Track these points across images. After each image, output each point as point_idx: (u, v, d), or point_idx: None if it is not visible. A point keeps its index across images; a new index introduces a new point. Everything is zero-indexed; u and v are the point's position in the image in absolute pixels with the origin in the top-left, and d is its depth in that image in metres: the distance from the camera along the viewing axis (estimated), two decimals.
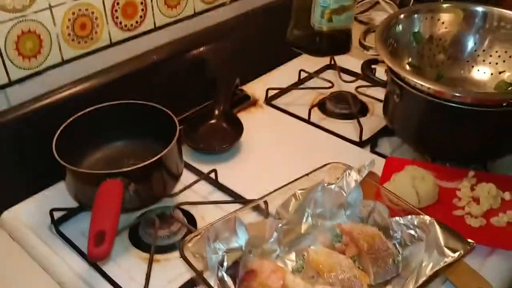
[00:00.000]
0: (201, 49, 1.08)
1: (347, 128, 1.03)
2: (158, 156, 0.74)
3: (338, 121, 1.05)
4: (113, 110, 0.86)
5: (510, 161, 0.92)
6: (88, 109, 0.85)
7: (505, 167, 0.92)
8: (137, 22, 1.00)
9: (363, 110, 1.09)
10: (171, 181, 0.80)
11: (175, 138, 0.77)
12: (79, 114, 0.84)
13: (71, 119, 0.82)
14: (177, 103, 1.00)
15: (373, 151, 0.96)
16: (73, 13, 0.89)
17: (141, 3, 0.99)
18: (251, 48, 1.17)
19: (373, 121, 1.04)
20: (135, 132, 0.88)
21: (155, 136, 0.84)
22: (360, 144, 0.97)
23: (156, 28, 1.04)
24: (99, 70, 0.95)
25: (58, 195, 0.85)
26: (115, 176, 0.71)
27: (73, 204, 0.81)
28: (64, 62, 0.92)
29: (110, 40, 0.97)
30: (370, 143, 0.97)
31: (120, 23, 0.97)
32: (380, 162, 0.89)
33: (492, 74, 0.98)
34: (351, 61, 1.19)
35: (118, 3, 0.95)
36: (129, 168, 0.72)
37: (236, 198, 0.84)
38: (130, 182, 0.72)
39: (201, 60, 1.08)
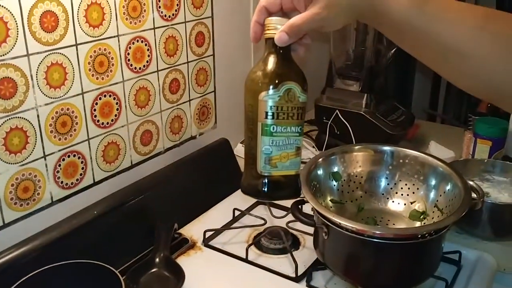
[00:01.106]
0: (140, 197, 1.14)
1: (283, 263, 1.09)
2: None
3: (274, 257, 1.12)
4: (57, 272, 0.88)
5: (432, 283, 1.02)
6: (30, 274, 0.86)
7: None
8: (77, 180, 1.06)
9: (295, 242, 1.17)
10: None
11: None
12: (22, 280, 0.85)
13: (14, 286, 0.83)
14: (119, 253, 1.04)
15: (309, 285, 1.02)
16: (17, 179, 0.94)
17: (82, 162, 1.05)
18: (186, 192, 1.24)
19: (306, 254, 1.11)
20: None
21: None
22: (297, 279, 1.04)
23: (95, 183, 1.10)
24: (41, 230, 0.98)
25: None
26: None
27: None
28: (5, 225, 0.94)
29: (52, 199, 1.02)
30: (306, 277, 1.04)
31: (62, 182, 1.02)
32: None
33: (405, 204, 1.10)
34: None
35: (59, 165, 1.01)
36: None
37: None
38: None
39: (140, 208, 1.14)
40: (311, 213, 1.01)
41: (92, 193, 1.09)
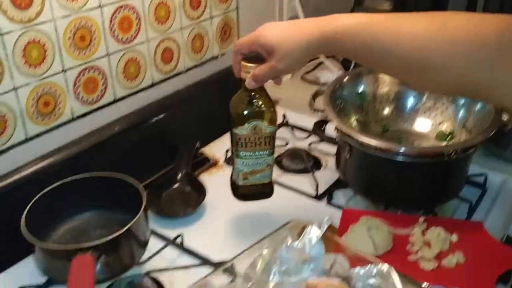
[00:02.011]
0: (161, 116, 1.13)
1: (304, 182, 1.08)
2: (127, 227, 0.77)
3: (295, 176, 1.11)
4: (78, 184, 0.89)
5: (456, 204, 1.00)
6: (53, 185, 0.87)
7: (452, 209, 1.00)
8: (98, 96, 1.05)
9: (317, 164, 1.16)
10: (139, 249, 0.83)
11: (142, 208, 0.81)
12: (45, 190, 0.86)
13: (37, 196, 0.85)
14: (139, 170, 1.04)
15: (329, 203, 1.02)
16: (37, 93, 0.93)
17: (102, 78, 1.04)
18: (209, 111, 1.23)
19: (327, 174, 1.10)
20: (101, 203, 0.91)
21: (120, 205, 0.88)
22: (317, 197, 1.03)
23: (116, 100, 1.09)
24: (63, 145, 0.98)
25: (25, 271, 0.86)
26: (86, 250, 0.73)
27: (41, 280, 0.82)
28: (28, 139, 0.95)
29: (72, 114, 1.01)
30: (326, 196, 1.03)
31: (82, 98, 1.02)
32: (337, 214, 0.95)
33: (432, 125, 1.07)
34: (303, 119, 1.26)
35: (79, 80, 1.00)
36: (98, 242, 0.74)
37: (203, 261, 0.87)
38: (101, 255, 0.75)
39: (161, 127, 1.13)
40: (334, 135, 0.99)
41: (113, 110, 1.08)
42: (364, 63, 0.75)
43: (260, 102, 0.82)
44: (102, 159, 1.00)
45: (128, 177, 0.87)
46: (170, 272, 0.85)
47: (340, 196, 1.04)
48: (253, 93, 0.82)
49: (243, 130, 0.82)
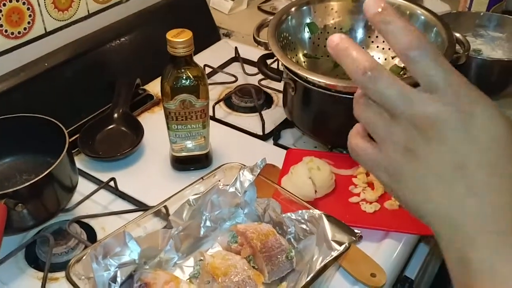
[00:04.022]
0: (98, 50, 1.05)
1: (252, 122, 1.03)
2: (47, 172, 0.72)
3: (244, 115, 1.06)
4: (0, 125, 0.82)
5: None
6: None
7: None
8: (25, 29, 0.96)
9: (269, 102, 1.10)
10: (65, 194, 0.78)
11: (64, 151, 0.75)
12: None
13: None
14: (73, 111, 0.98)
15: (276, 143, 0.97)
16: None
17: (28, 8, 0.95)
18: (152, 45, 1.15)
19: (277, 113, 1.05)
20: (27, 147, 0.84)
21: (48, 148, 0.81)
22: (263, 137, 0.98)
23: (47, 33, 1.00)
24: None
25: None
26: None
27: None
28: None
29: None
30: (273, 135, 0.99)
31: (6, 31, 0.93)
32: (283, 154, 0.90)
33: (385, 59, 1.01)
34: (255, 53, 1.19)
35: (1, 11, 0.91)
36: (12, 189, 0.69)
37: (138, 205, 0.83)
38: (17, 203, 0.69)
39: (98, 63, 1.05)
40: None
41: (44, 44, 0.99)
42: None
43: (189, 77, 0.80)
44: (30, 98, 0.93)
45: (50, 118, 0.80)
46: (102, 217, 0.81)
47: (289, 136, 1.00)
48: (181, 69, 0.80)
49: (171, 105, 0.81)
